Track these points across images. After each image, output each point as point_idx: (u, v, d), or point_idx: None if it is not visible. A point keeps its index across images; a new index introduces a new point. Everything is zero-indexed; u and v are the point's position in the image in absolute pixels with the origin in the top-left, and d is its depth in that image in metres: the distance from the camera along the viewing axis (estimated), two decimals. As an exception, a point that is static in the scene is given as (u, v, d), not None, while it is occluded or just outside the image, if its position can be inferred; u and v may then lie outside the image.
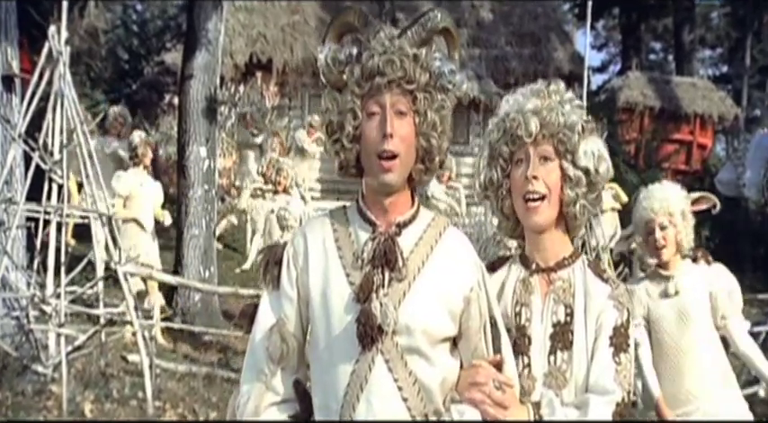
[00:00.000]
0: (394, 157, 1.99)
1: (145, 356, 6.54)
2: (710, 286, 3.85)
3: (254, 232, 11.04)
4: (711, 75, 31.55)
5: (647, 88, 19.83)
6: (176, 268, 9.11)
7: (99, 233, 7.00)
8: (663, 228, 3.80)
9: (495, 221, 2.40)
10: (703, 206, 4.12)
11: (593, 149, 2.21)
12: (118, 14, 20.52)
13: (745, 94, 23.99)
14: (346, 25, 2.10)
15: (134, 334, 6.95)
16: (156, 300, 8.27)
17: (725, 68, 32.57)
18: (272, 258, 2.13)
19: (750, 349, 3.86)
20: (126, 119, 10.64)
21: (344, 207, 2.15)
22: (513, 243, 3.12)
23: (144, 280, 8.06)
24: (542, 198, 2.18)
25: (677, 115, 19.54)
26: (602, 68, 36.45)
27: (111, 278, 7.44)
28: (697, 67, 27.25)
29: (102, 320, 7.02)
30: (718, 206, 4.20)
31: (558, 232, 2.25)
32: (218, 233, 11.29)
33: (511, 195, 2.25)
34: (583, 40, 27.74)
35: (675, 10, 24.63)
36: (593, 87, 21.37)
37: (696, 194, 4.09)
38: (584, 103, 7.98)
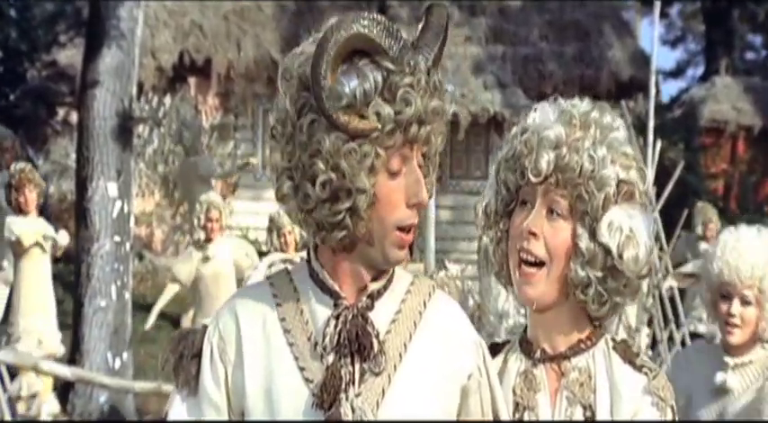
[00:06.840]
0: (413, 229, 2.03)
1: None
2: None
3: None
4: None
5: (742, 100, 20.06)
6: (73, 356, 9.10)
7: None
8: (745, 302, 3.66)
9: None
10: None
11: (621, 223, 2.15)
12: (-11, -3, 20.67)
13: None
14: (351, 46, 1.97)
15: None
16: (48, 405, 8.19)
17: None
18: (188, 350, 2.10)
19: None
20: (15, 140, 10.71)
21: (288, 271, 2.15)
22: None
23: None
24: (539, 264, 2.17)
25: (785, 138, 19.79)
26: (677, 73, 36.92)
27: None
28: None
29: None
30: None
31: (571, 307, 2.22)
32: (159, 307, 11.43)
33: (507, 241, 2.25)
34: (649, 32, 28.07)
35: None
36: (665, 99, 21.61)
37: None
38: (651, 122, 8.09)
